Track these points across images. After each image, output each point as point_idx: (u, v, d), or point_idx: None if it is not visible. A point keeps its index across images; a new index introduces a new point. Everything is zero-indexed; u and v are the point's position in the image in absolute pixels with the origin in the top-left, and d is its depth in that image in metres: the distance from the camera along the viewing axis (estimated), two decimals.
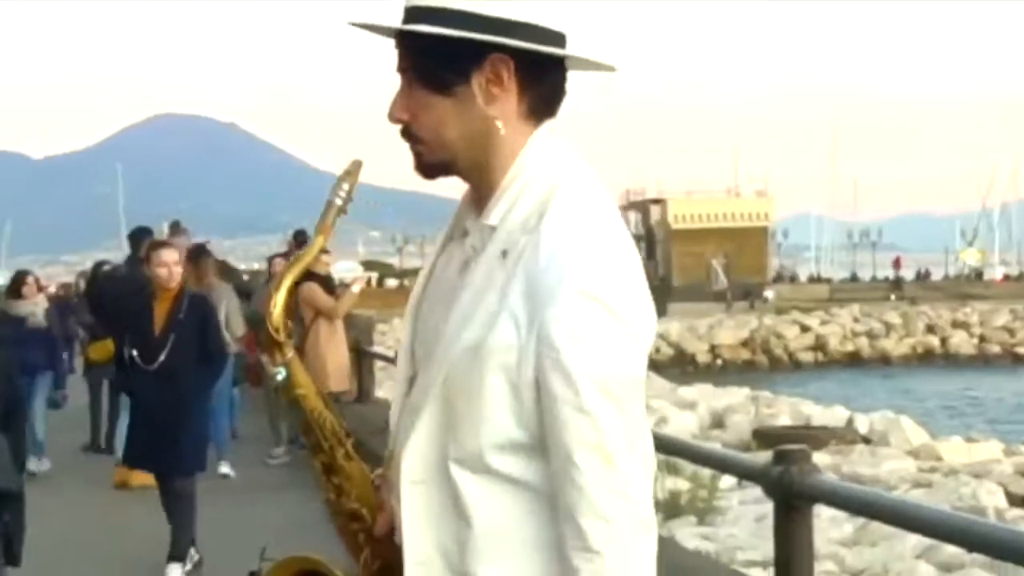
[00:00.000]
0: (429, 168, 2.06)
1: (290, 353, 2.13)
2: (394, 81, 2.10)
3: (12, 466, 5.49)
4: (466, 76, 1.96)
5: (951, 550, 9.57)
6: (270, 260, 14.45)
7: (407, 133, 2.03)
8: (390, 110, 2.05)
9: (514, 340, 1.90)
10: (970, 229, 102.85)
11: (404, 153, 2.08)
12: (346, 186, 2.12)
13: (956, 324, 55.99)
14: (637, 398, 1.97)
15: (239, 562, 2.60)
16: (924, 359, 52.90)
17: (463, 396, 1.95)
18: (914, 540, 9.79)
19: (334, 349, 11.33)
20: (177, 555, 6.95)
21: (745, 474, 6.64)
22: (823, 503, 5.30)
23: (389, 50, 2.11)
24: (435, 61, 1.96)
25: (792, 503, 4.90)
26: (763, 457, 6.61)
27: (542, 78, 1.98)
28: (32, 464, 10.42)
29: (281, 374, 2.13)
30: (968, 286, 70.35)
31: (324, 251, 12.98)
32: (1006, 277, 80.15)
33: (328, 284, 11.82)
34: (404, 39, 2.01)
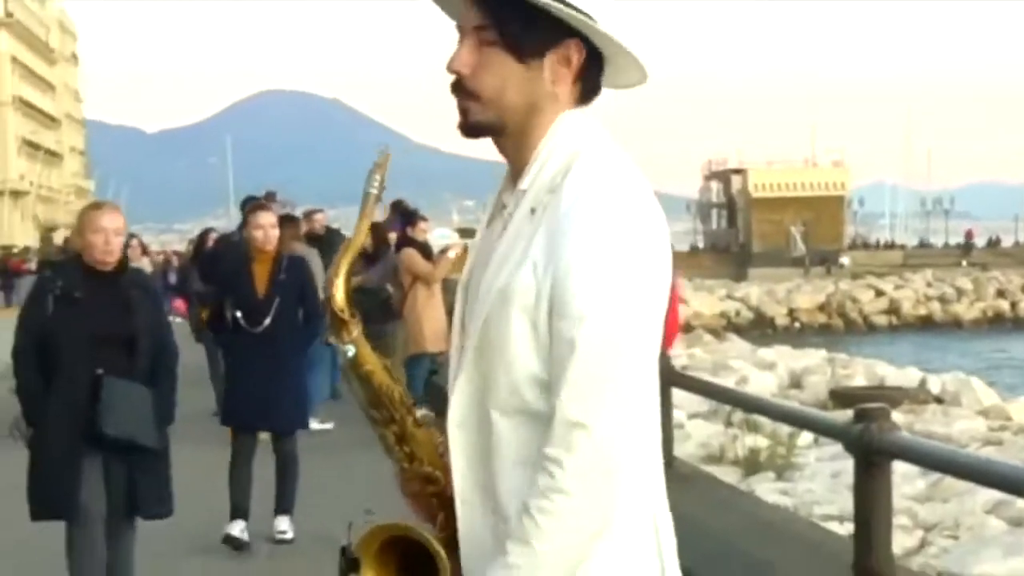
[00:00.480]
0: (474, 127, 2.12)
1: (356, 331, 2.15)
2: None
3: (152, 421, 5.45)
4: (543, 51, 2.04)
5: (1021, 504, 9.84)
6: (374, 226, 14.99)
7: (459, 87, 2.09)
8: (450, 62, 2.09)
9: (532, 282, 1.99)
10: None
11: None
12: (378, 177, 2.17)
13: None
14: (638, 343, 2.01)
15: (340, 514, 2.65)
16: (994, 323, 52.34)
17: (496, 338, 2.04)
18: (985, 496, 10.03)
19: (431, 312, 11.69)
20: (284, 508, 7.18)
21: (826, 431, 6.74)
22: (901, 459, 5.37)
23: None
24: (523, 29, 2.03)
25: (872, 459, 5.04)
26: (842, 416, 6.73)
27: (594, 72, 2.10)
28: None
29: (351, 351, 2.16)
30: None
31: (422, 218, 13.12)
32: None
33: (425, 251, 12.22)
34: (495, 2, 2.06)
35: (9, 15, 78.58)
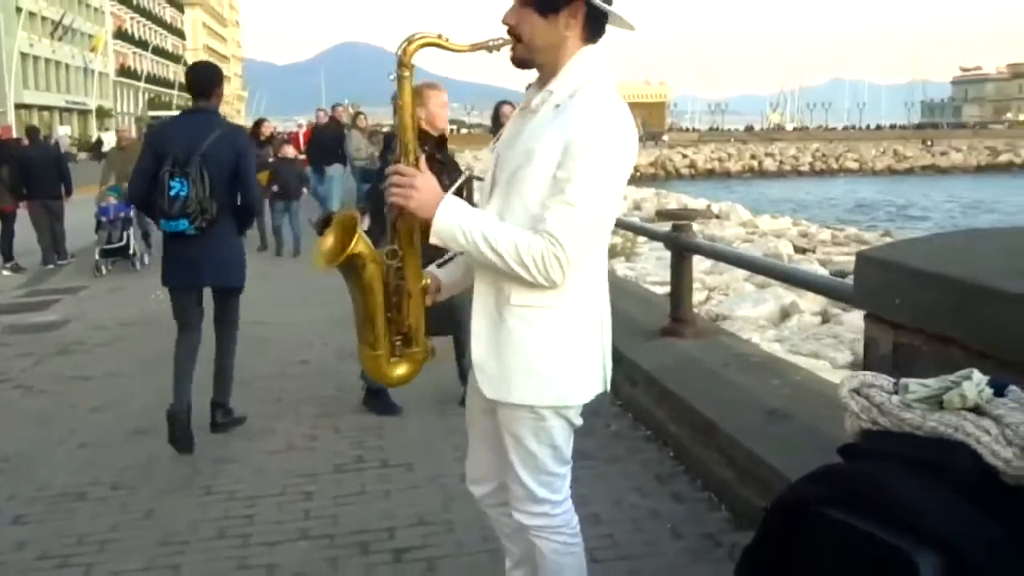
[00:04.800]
0: (518, 61, 2.31)
1: (408, 73, 2.31)
2: None
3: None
4: (558, 10, 2.25)
5: (762, 277, 11.92)
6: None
7: (512, 33, 2.28)
8: (505, 17, 2.29)
9: (550, 148, 2.21)
10: (775, 103, 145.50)
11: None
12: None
13: (767, 154, 73.18)
14: (615, 182, 2.26)
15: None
16: (750, 172, 67.59)
17: (517, 189, 2.27)
18: (743, 272, 12.25)
19: None
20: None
21: (655, 236, 7.39)
22: (698, 254, 6.31)
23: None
24: None
25: (681, 253, 6.06)
26: (664, 226, 8.07)
27: (595, 21, 2.30)
28: None
29: (392, 76, 2.31)
30: (773, 133, 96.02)
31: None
32: (794, 128, 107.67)
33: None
34: None
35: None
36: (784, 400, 4.54)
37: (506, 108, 8.96)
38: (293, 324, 8.39)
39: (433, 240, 2.27)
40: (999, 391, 2.09)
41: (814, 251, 19.00)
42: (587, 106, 2.21)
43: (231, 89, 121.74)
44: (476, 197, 3.03)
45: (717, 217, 23.78)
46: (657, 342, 5.92)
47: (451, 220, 2.22)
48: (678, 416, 4.86)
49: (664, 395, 5.11)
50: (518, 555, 2.71)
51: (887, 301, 2.92)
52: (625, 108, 2.28)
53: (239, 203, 5.19)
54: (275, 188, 13.11)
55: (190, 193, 4.87)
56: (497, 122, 9.44)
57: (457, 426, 2.81)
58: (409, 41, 2.27)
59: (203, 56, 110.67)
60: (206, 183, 4.90)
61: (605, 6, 2.26)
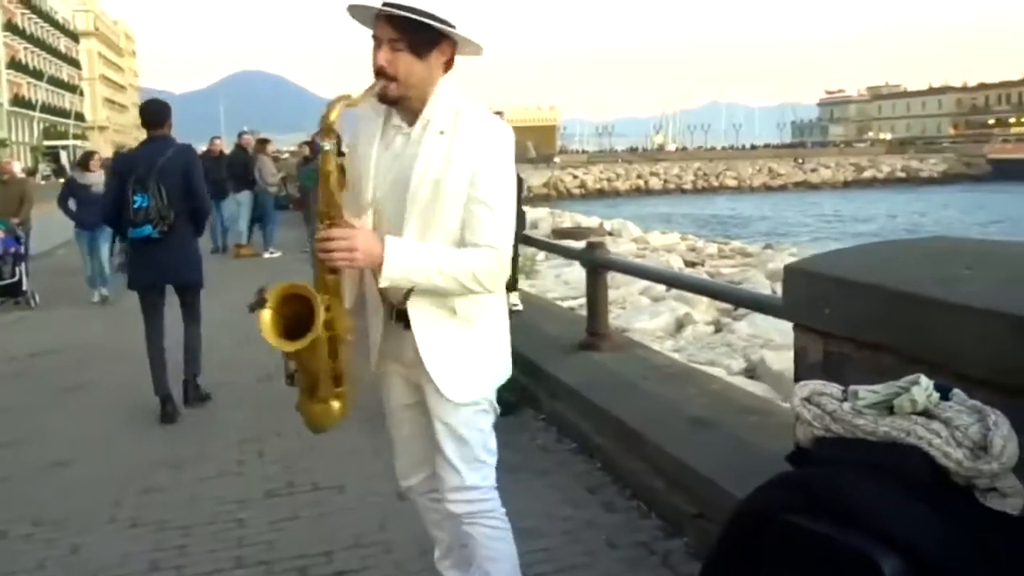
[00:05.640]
0: (392, 98, 2.34)
1: (334, 140, 2.28)
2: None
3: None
4: (431, 50, 2.32)
5: (657, 289, 12.74)
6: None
7: (382, 74, 2.30)
8: (377, 60, 2.30)
9: (458, 174, 2.31)
10: (657, 125, 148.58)
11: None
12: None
13: (652, 173, 75.08)
14: (514, 182, 2.41)
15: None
16: (637, 191, 69.78)
17: (434, 212, 2.33)
18: (638, 285, 12.84)
19: None
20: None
21: (567, 254, 7.56)
22: (611, 269, 6.30)
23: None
24: (419, 41, 2.29)
25: (597, 269, 6.07)
26: (577, 244, 8.10)
27: (454, 54, 2.38)
28: (102, 292, 11.33)
29: (327, 147, 2.29)
30: (657, 154, 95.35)
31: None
32: (676, 149, 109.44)
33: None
34: (398, 20, 2.25)
35: (96, 29, 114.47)
36: (705, 409, 4.57)
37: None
38: (210, 349, 8.08)
39: (383, 284, 2.30)
40: (944, 395, 2.10)
41: (703, 264, 19.40)
42: (480, 129, 2.34)
43: (128, 119, 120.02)
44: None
45: (610, 234, 24.06)
46: (576, 356, 5.90)
47: (401, 263, 2.26)
48: (603, 428, 4.83)
49: (587, 408, 5.09)
50: (447, 543, 2.77)
51: (816, 311, 2.93)
52: (500, 119, 2.43)
53: (192, 210, 5.96)
54: None
55: (150, 204, 5.71)
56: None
57: (385, 443, 2.75)
58: (329, 110, 2.28)
59: (99, 86, 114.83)
60: (163, 195, 5.73)
61: (467, 38, 2.34)
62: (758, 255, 20.79)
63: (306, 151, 18.14)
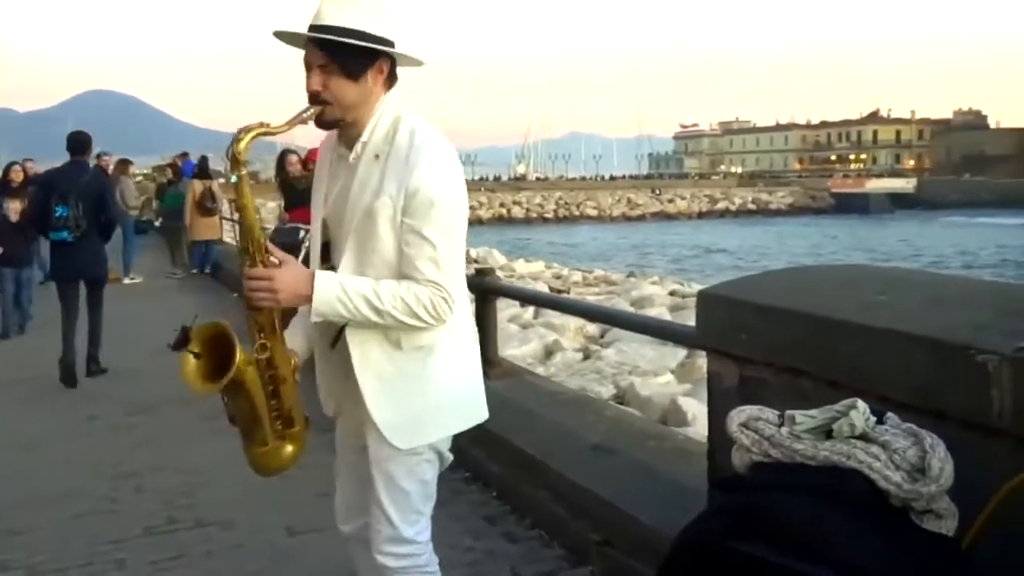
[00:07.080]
0: (328, 122, 2.25)
1: (245, 171, 2.18)
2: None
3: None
4: (366, 70, 2.22)
5: (527, 316, 13.06)
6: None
7: (316, 99, 2.20)
8: (310, 85, 2.20)
9: (390, 201, 2.17)
10: (519, 154, 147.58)
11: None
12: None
13: (515, 202, 75.22)
14: (460, 231, 2.25)
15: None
16: (500, 220, 68.89)
17: (369, 240, 2.22)
18: (509, 312, 12.90)
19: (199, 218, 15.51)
20: None
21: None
22: (504, 296, 6.41)
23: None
24: (352, 63, 2.20)
25: (487, 296, 5.96)
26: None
27: (395, 69, 2.28)
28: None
29: (234, 179, 2.21)
30: (519, 183, 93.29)
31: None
32: (536, 178, 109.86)
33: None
34: (327, 44, 2.17)
35: None
36: (603, 435, 4.55)
37: (292, 157, 8.71)
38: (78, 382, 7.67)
39: (315, 319, 2.22)
40: (879, 419, 2.13)
41: (568, 292, 19.61)
42: (412, 151, 2.19)
43: None
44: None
45: (476, 262, 24.17)
46: None
47: (329, 298, 2.18)
48: (499, 456, 4.76)
49: (481, 435, 4.97)
50: None
51: (732, 337, 2.95)
52: (442, 137, 2.27)
53: (102, 221, 7.66)
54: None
55: (69, 214, 7.40)
56: (283, 170, 9.14)
57: (275, 478, 2.50)
58: (237, 140, 2.16)
59: None
60: (80, 208, 7.43)
61: (404, 53, 2.27)
62: (622, 283, 21.19)
63: (169, 174, 17.52)
